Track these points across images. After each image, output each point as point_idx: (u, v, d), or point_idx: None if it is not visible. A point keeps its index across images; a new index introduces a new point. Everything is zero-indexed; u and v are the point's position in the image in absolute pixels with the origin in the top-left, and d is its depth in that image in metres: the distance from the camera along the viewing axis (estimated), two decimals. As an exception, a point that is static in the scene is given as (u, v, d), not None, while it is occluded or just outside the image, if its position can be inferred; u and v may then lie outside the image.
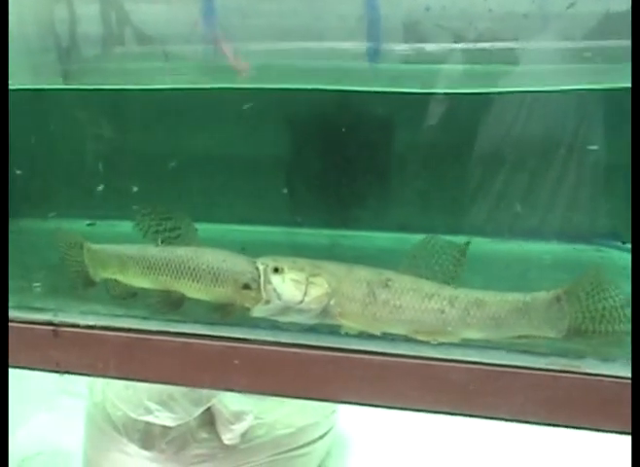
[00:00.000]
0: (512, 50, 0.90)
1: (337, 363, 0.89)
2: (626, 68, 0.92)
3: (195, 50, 1.00)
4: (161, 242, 0.98)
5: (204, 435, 1.61)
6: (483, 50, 0.90)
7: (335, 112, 1.12)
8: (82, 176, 1.27)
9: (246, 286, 0.93)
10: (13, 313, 0.97)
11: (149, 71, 1.07)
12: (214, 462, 1.61)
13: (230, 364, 0.92)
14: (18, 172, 1.21)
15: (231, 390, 0.97)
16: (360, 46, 0.93)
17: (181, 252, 0.98)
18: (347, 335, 0.90)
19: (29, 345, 0.97)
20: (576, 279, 0.87)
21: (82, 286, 1.04)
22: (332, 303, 0.89)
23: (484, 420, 0.88)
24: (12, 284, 0.98)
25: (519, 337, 0.88)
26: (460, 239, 0.96)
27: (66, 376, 0.99)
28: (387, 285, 0.89)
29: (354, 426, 1.90)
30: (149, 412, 1.59)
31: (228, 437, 1.60)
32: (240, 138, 1.21)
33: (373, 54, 0.93)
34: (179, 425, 1.59)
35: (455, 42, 0.89)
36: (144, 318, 0.97)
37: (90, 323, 0.96)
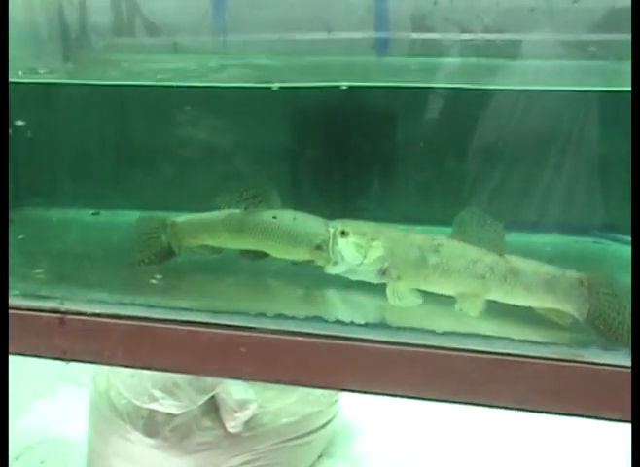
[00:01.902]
0: (519, 42, 0.90)
1: (341, 351, 0.90)
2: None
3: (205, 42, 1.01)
4: (246, 208, 1.08)
5: (208, 423, 1.62)
6: (491, 42, 0.90)
7: (343, 105, 1.13)
8: (86, 166, 1.28)
9: (318, 247, 1.03)
10: (19, 301, 0.97)
11: (158, 64, 1.07)
12: (217, 450, 1.62)
13: (236, 352, 0.93)
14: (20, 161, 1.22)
15: (237, 378, 0.98)
16: (368, 37, 0.94)
17: (264, 216, 1.07)
18: (353, 323, 0.92)
19: (35, 333, 0.98)
20: (596, 276, 0.91)
21: (162, 259, 1.13)
22: (387, 264, 0.97)
23: (488, 408, 0.89)
24: (18, 272, 0.99)
25: (549, 310, 0.93)
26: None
27: (69, 364, 1.00)
28: (437, 250, 0.96)
29: (357, 414, 1.91)
30: (153, 399, 1.60)
31: (231, 425, 1.61)
32: (247, 131, 1.22)
33: (382, 46, 0.94)
34: (183, 413, 1.60)
35: (463, 35, 0.90)
36: (150, 306, 0.98)
37: (97, 311, 0.96)
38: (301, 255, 1.06)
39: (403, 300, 0.96)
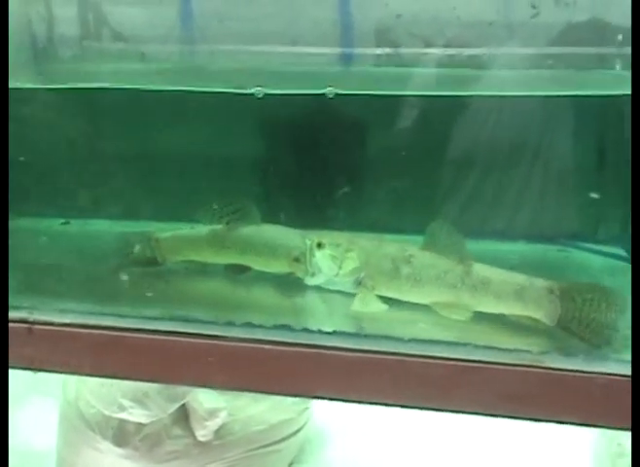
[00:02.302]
0: (478, 55, 0.92)
1: (310, 359, 0.91)
2: (590, 75, 0.95)
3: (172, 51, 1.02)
4: (227, 223, 1.11)
5: (178, 432, 1.62)
6: (452, 55, 0.92)
7: (310, 115, 1.14)
8: (56, 176, 1.27)
9: (297, 259, 1.06)
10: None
11: (126, 72, 1.08)
12: (188, 459, 1.62)
13: (205, 361, 0.93)
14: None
15: (207, 387, 0.98)
16: (334, 50, 0.96)
17: (245, 231, 1.11)
18: (320, 331, 0.92)
19: (4, 343, 0.97)
20: (576, 282, 0.94)
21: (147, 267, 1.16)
22: (362, 275, 1.00)
23: (455, 414, 0.90)
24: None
25: (520, 317, 0.96)
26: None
27: (38, 375, 1.00)
28: (409, 261, 0.99)
29: (328, 422, 1.91)
30: (123, 409, 1.60)
31: (201, 433, 1.61)
32: (212, 140, 1.23)
33: (347, 59, 0.95)
34: (153, 422, 1.60)
35: (425, 47, 0.92)
36: (120, 316, 0.98)
37: (66, 321, 0.96)
38: (280, 268, 1.09)
39: (368, 306, 0.99)
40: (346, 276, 1.01)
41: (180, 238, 1.16)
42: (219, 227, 1.11)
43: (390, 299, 1.01)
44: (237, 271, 1.11)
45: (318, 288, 1.04)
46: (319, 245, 1.01)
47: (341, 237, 1.02)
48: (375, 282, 1.00)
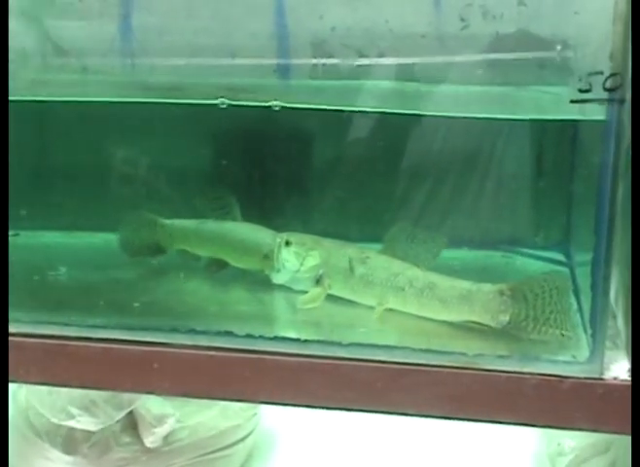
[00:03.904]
0: (412, 66, 0.95)
1: (252, 364, 0.93)
2: (521, 90, 0.98)
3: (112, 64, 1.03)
4: (216, 218, 1.15)
5: (127, 439, 1.62)
6: (386, 66, 0.95)
7: (247, 127, 1.16)
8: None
9: (266, 256, 1.08)
10: None
11: (70, 84, 1.08)
12: (137, 465, 1.61)
13: (149, 368, 0.95)
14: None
15: (152, 393, 1.00)
16: (270, 62, 0.98)
17: (224, 226, 1.15)
18: (262, 337, 0.95)
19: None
20: (525, 279, 0.96)
21: (154, 254, 1.20)
22: (321, 272, 1.04)
23: (392, 416, 0.93)
24: None
25: (466, 321, 0.98)
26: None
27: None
28: (365, 262, 1.02)
29: (276, 428, 1.93)
30: (71, 416, 1.59)
31: (150, 440, 1.61)
32: (153, 152, 1.24)
33: (284, 71, 0.98)
34: (101, 429, 1.59)
35: (359, 59, 0.94)
36: (65, 325, 0.99)
37: (12, 330, 0.97)
38: (252, 264, 1.12)
39: (312, 303, 1.03)
40: (306, 273, 1.04)
41: (178, 227, 1.19)
42: (209, 220, 1.16)
43: (347, 301, 1.04)
44: (215, 268, 1.14)
45: (281, 292, 1.08)
46: (287, 243, 1.05)
47: (309, 238, 1.06)
48: (332, 281, 1.03)
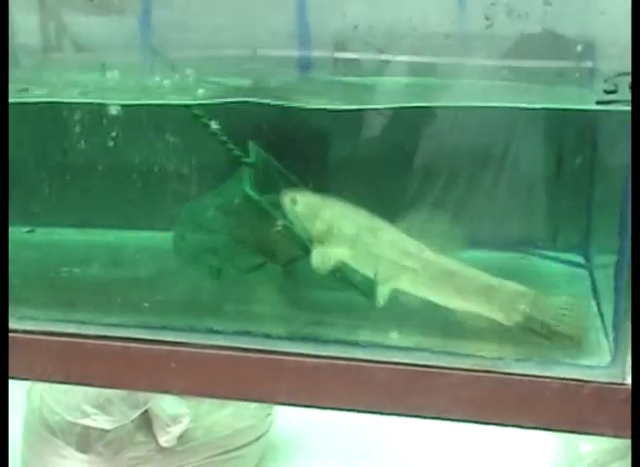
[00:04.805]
0: (434, 65, 0.94)
1: (270, 365, 0.92)
2: (545, 90, 0.97)
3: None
4: None
5: (141, 438, 1.63)
6: (409, 66, 0.94)
7: (267, 124, 1.16)
8: (22, 183, 1.27)
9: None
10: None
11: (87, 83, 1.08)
12: (151, 464, 1.62)
13: (166, 367, 0.95)
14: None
15: (169, 393, 1.00)
16: (291, 60, 0.97)
17: None
18: (280, 337, 0.94)
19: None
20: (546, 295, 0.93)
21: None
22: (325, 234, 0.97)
23: (414, 419, 0.92)
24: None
25: (475, 316, 0.93)
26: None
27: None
28: (374, 233, 0.95)
29: (291, 429, 1.93)
30: (86, 415, 1.60)
31: (164, 439, 1.61)
32: (169, 151, 1.23)
33: (305, 69, 0.97)
34: (116, 428, 1.60)
35: (381, 57, 0.94)
36: (82, 323, 0.99)
37: (29, 328, 0.97)
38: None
39: (324, 264, 0.97)
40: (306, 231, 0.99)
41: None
42: None
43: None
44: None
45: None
46: (293, 201, 0.98)
47: (319, 199, 1.00)
48: (337, 245, 0.97)
